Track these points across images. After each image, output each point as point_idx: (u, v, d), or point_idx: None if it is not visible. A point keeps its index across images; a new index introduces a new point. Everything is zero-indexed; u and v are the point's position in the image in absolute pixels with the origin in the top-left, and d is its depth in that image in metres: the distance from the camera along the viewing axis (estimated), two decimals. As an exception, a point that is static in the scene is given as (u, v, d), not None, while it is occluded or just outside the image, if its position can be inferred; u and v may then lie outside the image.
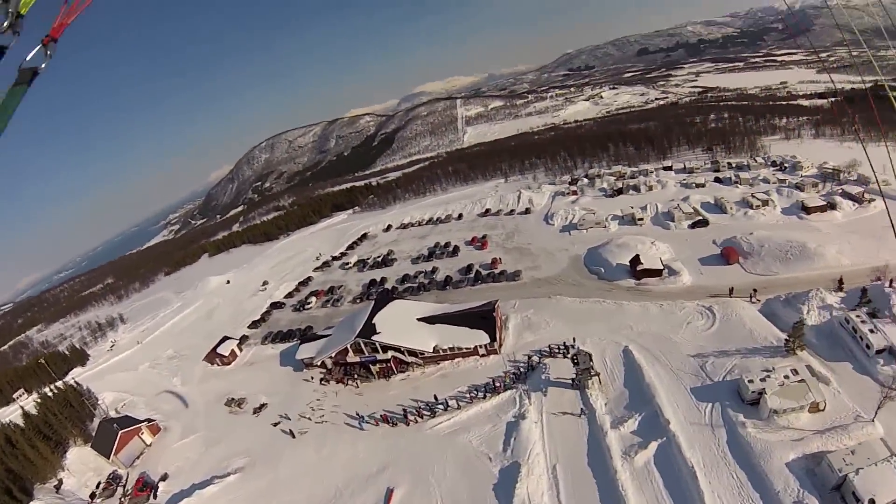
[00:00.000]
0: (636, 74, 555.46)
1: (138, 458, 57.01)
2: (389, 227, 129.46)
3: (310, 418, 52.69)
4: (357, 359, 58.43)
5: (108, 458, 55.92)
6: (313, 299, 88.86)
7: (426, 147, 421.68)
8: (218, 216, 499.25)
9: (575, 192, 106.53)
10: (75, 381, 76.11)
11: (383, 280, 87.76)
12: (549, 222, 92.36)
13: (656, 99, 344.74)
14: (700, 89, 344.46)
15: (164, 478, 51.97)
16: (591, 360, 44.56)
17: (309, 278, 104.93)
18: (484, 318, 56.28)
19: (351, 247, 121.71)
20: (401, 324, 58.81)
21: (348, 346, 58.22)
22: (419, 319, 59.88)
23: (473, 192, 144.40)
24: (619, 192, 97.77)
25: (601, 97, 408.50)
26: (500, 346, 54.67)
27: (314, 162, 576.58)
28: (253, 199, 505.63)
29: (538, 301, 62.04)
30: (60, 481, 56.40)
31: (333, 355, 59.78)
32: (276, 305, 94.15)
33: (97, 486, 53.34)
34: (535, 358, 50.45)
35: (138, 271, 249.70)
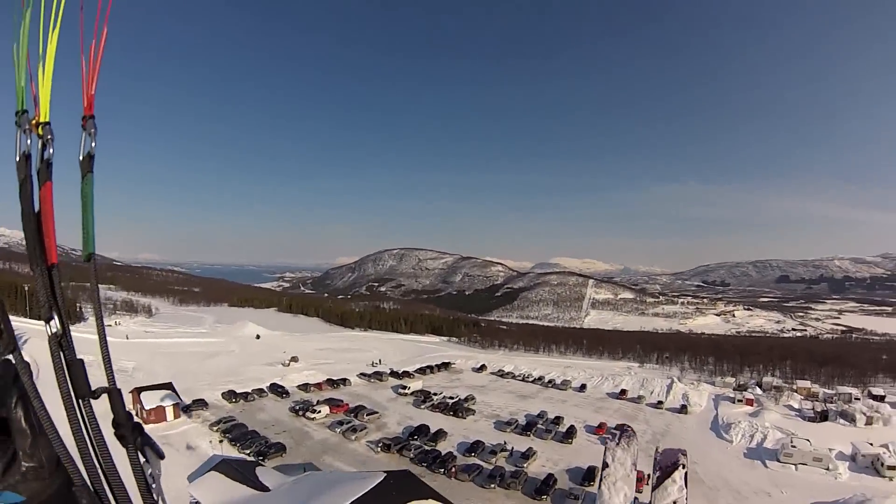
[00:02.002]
0: (773, 300, 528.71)
1: None
2: (483, 367, 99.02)
3: None
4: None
5: None
6: (325, 409, 59.18)
7: (545, 315, 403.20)
8: (325, 294, 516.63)
9: (751, 402, 77.91)
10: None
11: (439, 434, 52.83)
12: (722, 436, 61.00)
13: (793, 329, 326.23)
14: (844, 328, 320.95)
15: None
16: None
17: (345, 380, 77.64)
18: None
19: (423, 370, 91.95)
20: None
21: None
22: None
23: (602, 365, 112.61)
24: (824, 417, 70.70)
25: (734, 315, 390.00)
26: None
27: (434, 288, 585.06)
28: (363, 294, 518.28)
29: None
30: None
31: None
32: (277, 389, 69.09)
33: None
34: None
35: (218, 294, 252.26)
